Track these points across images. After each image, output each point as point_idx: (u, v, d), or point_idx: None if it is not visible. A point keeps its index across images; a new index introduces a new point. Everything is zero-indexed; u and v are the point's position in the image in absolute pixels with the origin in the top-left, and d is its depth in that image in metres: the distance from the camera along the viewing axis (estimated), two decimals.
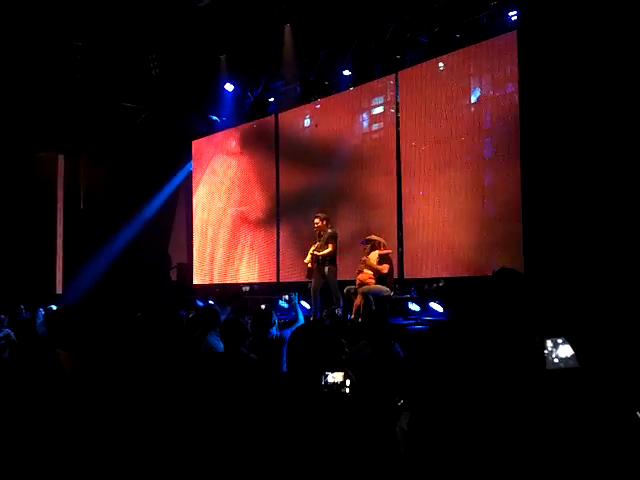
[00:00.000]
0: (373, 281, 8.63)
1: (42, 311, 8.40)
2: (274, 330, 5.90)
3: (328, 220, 9.40)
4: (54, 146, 13.43)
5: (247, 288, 12.94)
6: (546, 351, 1.76)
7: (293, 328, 5.85)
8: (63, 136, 13.32)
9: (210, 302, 13.40)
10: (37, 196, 13.27)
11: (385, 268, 8.77)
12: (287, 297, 7.69)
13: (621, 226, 7.26)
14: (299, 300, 6.81)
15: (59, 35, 11.62)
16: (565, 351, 1.74)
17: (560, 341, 1.75)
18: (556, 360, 1.75)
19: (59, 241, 13.24)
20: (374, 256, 8.75)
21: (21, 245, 13.12)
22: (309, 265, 9.15)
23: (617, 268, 6.98)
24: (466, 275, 9.44)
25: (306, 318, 8.97)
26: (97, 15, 11.01)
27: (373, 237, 9.10)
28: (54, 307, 8.26)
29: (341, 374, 2.12)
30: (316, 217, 9.40)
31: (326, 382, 2.13)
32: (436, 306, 9.36)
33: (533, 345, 1.78)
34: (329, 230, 9.18)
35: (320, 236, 9.22)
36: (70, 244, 13.27)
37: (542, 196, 8.15)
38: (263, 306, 9.24)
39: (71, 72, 12.51)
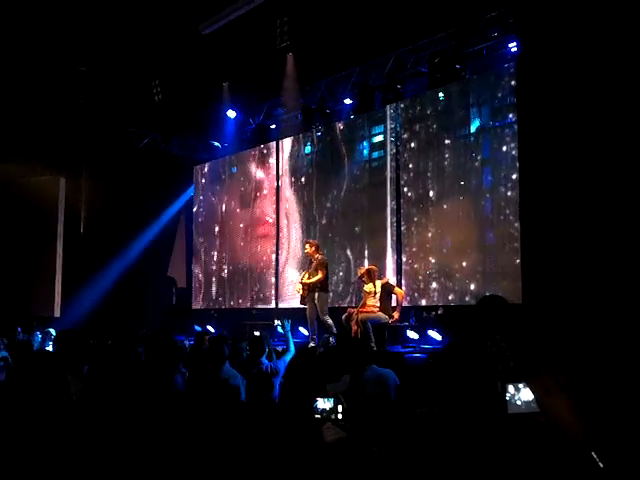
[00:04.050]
0: (377, 310, 8.54)
1: (39, 334, 8.37)
2: (264, 359, 5.69)
3: (318, 247, 9.36)
4: (56, 169, 13.50)
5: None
6: (508, 395, 1.78)
7: (285, 358, 5.74)
8: (65, 160, 13.41)
9: (208, 327, 13.36)
10: (38, 219, 13.30)
11: (400, 294, 8.88)
12: (279, 322, 7.59)
13: (622, 255, 7.26)
14: (291, 327, 6.70)
15: (63, 60, 11.74)
16: (527, 395, 1.76)
17: (521, 385, 1.77)
18: (519, 403, 1.78)
19: (58, 264, 13.24)
20: (379, 287, 8.64)
21: (20, 267, 13.13)
22: (301, 292, 9.13)
23: (617, 303, 6.95)
24: (465, 303, 9.43)
25: (304, 344, 8.93)
26: (101, 41, 11.14)
27: (366, 268, 8.95)
28: (52, 330, 8.22)
29: (331, 400, 2.12)
30: (307, 243, 9.41)
31: (316, 408, 2.13)
32: (435, 334, 9.33)
33: (495, 390, 1.80)
34: (318, 256, 9.14)
35: (311, 263, 9.20)
36: (69, 267, 13.26)
37: (541, 225, 8.15)
38: (257, 332, 9.17)
39: (74, 97, 12.63)
